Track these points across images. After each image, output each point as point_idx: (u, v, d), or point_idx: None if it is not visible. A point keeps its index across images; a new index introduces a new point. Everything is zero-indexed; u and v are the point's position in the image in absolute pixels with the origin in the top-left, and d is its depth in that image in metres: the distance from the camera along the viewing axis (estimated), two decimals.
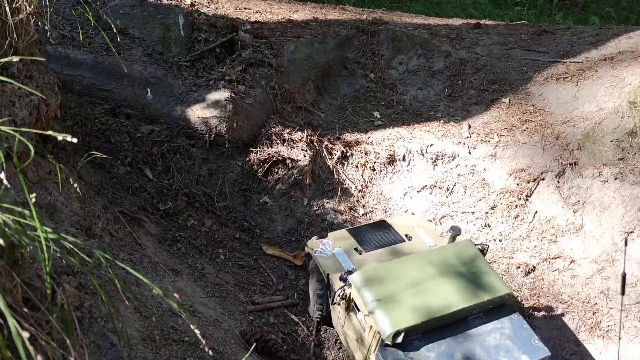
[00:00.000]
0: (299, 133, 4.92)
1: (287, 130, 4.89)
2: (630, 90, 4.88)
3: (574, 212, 4.66)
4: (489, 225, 4.73)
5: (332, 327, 3.83)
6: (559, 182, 4.79)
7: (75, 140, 1.99)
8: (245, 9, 6.71)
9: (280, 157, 4.65)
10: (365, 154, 5.11)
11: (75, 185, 2.35)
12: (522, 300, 4.14)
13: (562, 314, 4.08)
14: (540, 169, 4.87)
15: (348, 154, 5.11)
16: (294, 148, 4.77)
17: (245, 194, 4.63)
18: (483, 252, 3.59)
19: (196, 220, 4.29)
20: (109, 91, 4.74)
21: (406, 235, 3.93)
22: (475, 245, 3.58)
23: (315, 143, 4.96)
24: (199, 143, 4.64)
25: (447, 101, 5.92)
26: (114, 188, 4.12)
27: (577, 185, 4.71)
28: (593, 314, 4.04)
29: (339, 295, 3.37)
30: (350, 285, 3.30)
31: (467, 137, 5.29)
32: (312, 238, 3.99)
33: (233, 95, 4.72)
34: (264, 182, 4.63)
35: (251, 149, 4.72)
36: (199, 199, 4.43)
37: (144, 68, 4.89)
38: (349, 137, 5.21)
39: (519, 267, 4.38)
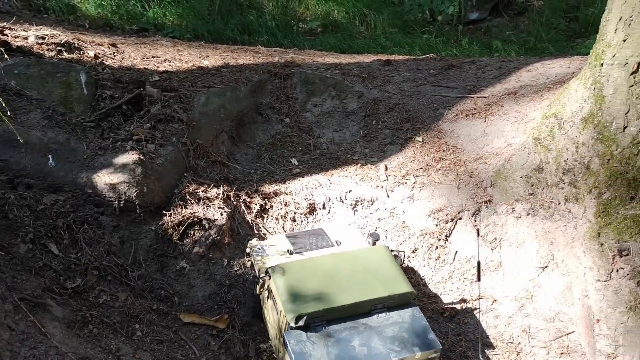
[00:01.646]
0: (215, 190, 4.77)
1: (202, 188, 4.73)
2: (534, 126, 5.07)
3: (492, 249, 4.76)
4: (412, 270, 4.75)
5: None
6: (475, 220, 4.89)
7: None
8: (153, 57, 6.52)
9: (195, 219, 4.48)
10: (285, 205, 5.03)
11: None
12: (448, 347, 4.15)
13: (488, 358, 4.13)
14: (457, 208, 4.96)
15: (267, 207, 5.00)
16: (209, 207, 4.61)
17: (161, 260, 4.42)
18: (398, 257, 4.07)
19: (109, 295, 4.04)
20: (5, 161, 4.41)
21: (337, 241, 4.30)
22: (392, 251, 4.02)
23: (232, 199, 4.83)
24: (108, 210, 4.40)
25: (363, 142, 5.96)
26: (13, 270, 3.80)
27: (492, 223, 4.82)
28: (517, 355, 4.11)
29: (259, 285, 3.90)
30: (269, 276, 3.72)
31: (385, 179, 5.32)
32: (253, 239, 4.39)
33: (142, 157, 4.52)
34: (180, 246, 4.44)
35: (164, 212, 4.52)
36: (111, 271, 4.18)
37: (44, 133, 4.59)
38: (268, 188, 5.11)
39: (443, 313, 4.41)
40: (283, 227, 4.96)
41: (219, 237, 4.51)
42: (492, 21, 12.48)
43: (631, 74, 4.11)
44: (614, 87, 4.26)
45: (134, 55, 6.41)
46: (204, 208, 4.58)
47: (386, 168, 5.47)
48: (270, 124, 5.98)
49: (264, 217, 4.95)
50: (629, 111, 4.17)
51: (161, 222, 4.47)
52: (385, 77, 6.75)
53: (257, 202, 4.93)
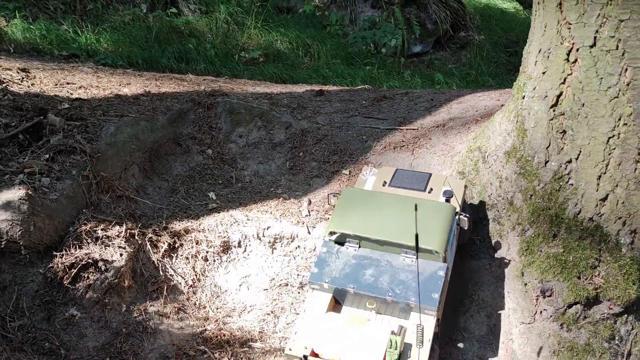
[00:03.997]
0: (117, 227, 4.37)
1: (102, 226, 4.32)
2: (459, 159, 4.89)
3: None
4: None
5: None
6: None
7: None
8: (68, 84, 6.13)
9: (90, 260, 4.06)
10: (197, 244, 4.65)
11: None
12: None
13: None
14: None
15: (177, 245, 4.61)
16: (108, 246, 4.20)
17: (49, 307, 3.97)
18: (463, 220, 3.94)
19: None
20: None
21: (430, 189, 4.26)
22: (459, 213, 3.94)
23: (136, 237, 4.43)
24: None
25: (289, 175, 5.66)
26: None
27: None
28: None
29: (329, 203, 4.52)
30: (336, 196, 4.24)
31: (307, 214, 5.02)
32: (368, 165, 4.95)
33: (30, 192, 4.09)
34: (71, 290, 4.00)
35: (55, 252, 4.08)
36: None
37: None
38: (178, 225, 4.73)
39: None
40: (194, 267, 4.58)
41: (116, 280, 4.09)
42: (435, 54, 12.55)
43: (551, 107, 3.96)
44: (535, 121, 4.11)
45: (46, 81, 6.00)
46: (101, 248, 4.16)
47: (310, 202, 5.18)
48: (190, 156, 5.63)
49: (172, 257, 4.56)
50: (549, 145, 4.01)
51: (51, 265, 4.03)
52: (315, 108, 6.51)
53: (165, 241, 4.54)
